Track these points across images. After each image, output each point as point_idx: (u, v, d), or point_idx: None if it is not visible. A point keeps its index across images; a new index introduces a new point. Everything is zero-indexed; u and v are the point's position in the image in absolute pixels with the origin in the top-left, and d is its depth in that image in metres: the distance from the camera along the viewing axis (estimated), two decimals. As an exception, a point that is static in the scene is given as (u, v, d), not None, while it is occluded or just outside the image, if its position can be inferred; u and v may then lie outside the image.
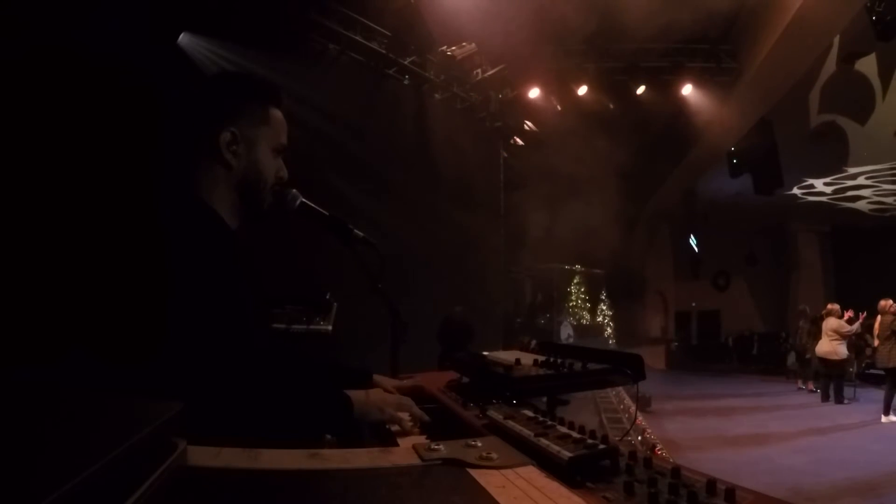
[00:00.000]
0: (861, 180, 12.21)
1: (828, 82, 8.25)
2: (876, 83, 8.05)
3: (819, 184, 12.75)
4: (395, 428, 1.12)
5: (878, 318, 7.39)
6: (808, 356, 9.92)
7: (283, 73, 5.30)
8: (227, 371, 0.96)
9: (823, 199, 13.79)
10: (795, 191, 12.70)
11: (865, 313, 8.47)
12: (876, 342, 7.34)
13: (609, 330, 16.14)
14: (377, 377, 1.45)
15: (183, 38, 4.81)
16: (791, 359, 12.00)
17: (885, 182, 12.04)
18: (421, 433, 1.10)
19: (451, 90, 8.13)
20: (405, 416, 1.13)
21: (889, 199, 13.14)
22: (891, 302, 7.32)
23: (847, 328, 8.32)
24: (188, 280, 0.97)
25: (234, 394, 0.96)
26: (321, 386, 1.19)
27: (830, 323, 8.47)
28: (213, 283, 1.02)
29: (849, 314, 8.45)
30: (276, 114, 1.24)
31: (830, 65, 7.80)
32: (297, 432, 1.02)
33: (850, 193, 13.16)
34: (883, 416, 7.04)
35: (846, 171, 11.65)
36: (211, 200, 1.16)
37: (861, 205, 13.85)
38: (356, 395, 1.13)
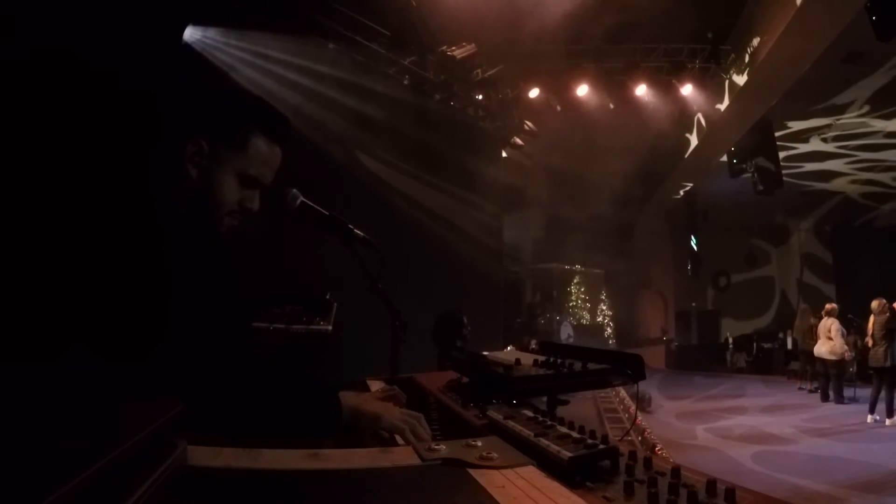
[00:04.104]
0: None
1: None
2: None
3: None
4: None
5: (872, 317, 7.35)
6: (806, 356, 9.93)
7: (282, 73, 5.31)
8: (226, 370, 0.96)
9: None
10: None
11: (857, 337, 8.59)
12: (870, 342, 7.33)
13: (609, 330, 16.15)
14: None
15: (188, 32, 4.83)
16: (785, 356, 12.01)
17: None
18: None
19: (451, 90, 8.12)
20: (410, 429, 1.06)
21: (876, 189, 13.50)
22: (884, 301, 7.31)
23: (842, 342, 8.31)
24: (184, 279, 0.97)
25: (231, 393, 0.95)
26: (309, 387, 1.13)
27: (829, 324, 8.46)
28: (207, 284, 1.01)
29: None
30: (263, 146, 1.15)
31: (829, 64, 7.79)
32: (288, 433, 0.99)
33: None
34: (888, 419, 6.91)
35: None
36: (180, 206, 1.11)
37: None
38: (347, 398, 1.07)
